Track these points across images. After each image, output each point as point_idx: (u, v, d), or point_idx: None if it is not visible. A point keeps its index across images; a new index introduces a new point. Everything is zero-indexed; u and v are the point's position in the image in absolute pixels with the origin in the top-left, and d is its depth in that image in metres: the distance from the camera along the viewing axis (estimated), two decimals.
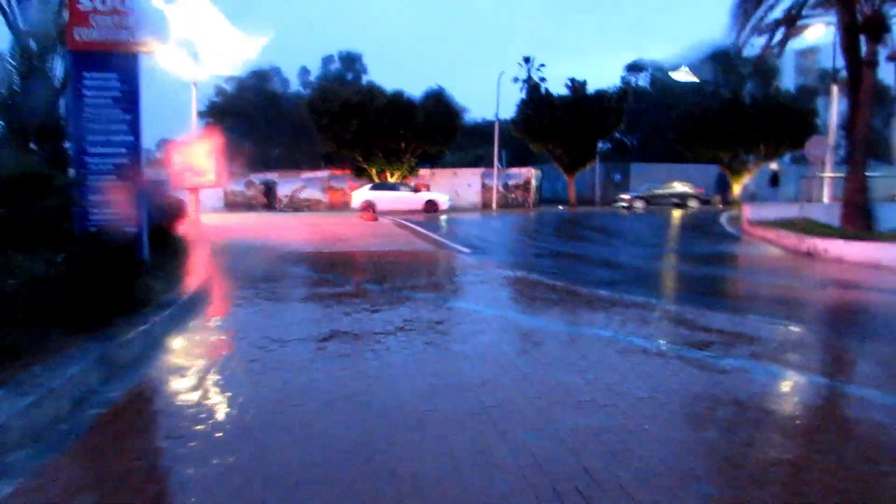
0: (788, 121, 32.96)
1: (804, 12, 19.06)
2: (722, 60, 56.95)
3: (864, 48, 17.28)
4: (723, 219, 23.41)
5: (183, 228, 10.85)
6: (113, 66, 7.00)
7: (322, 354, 4.94)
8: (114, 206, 6.86)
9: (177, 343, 5.27)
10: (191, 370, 4.49)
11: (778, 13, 19.20)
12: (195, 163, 20.72)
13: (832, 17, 19.12)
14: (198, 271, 8.34)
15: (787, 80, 62.28)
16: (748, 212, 19.00)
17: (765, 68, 41.56)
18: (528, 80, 62.54)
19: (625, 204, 32.74)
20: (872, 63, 16.09)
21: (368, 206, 27.99)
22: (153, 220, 7.50)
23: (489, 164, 39.87)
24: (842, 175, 25.32)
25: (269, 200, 35.21)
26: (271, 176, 35.54)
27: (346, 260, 11.20)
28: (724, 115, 34.73)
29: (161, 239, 8.28)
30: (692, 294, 8.79)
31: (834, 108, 24.43)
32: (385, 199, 28.98)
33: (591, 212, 31.14)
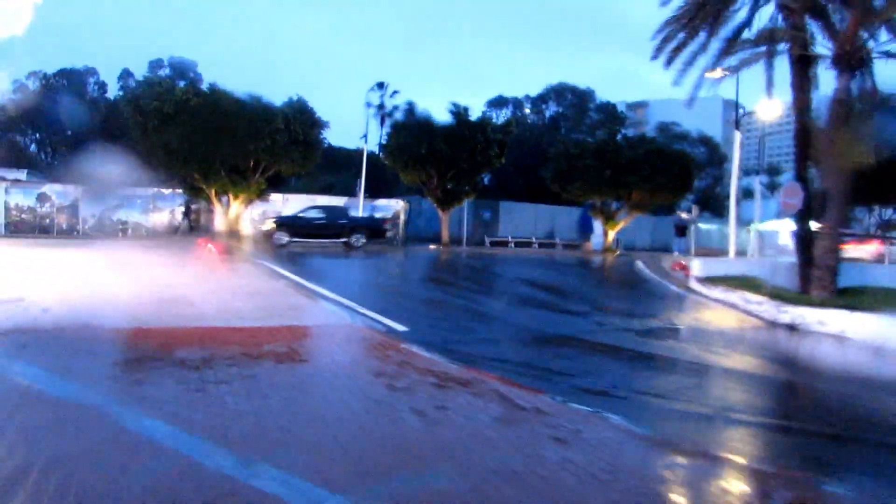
0: (668, 168, 31.85)
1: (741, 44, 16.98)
2: (578, 102, 57.37)
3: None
4: (641, 268, 20.62)
5: None
6: None
7: None
8: None
9: None
10: None
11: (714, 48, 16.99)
12: None
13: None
14: None
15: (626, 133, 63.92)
16: (696, 267, 16.08)
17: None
18: (381, 106, 59.08)
19: (281, 240, 23.51)
20: (845, 101, 13.90)
21: None
22: None
23: (340, 193, 34.88)
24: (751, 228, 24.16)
25: (188, 223, 28.30)
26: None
27: (187, 361, 5.34)
28: (600, 156, 33.03)
29: None
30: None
31: (736, 154, 22.98)
32: None
33: (478, 253, 27.47)
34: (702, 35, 16.06)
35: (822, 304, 12.22)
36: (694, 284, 15.58)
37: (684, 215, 25.54)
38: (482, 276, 17.52)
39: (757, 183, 34.22)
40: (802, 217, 15.05)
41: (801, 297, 13.27)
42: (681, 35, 15.66)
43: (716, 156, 63.60)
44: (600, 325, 10.08)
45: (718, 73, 17.41)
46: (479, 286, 15.16)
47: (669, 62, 16.55)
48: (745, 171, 73.00)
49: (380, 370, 5.61)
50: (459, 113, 29.01)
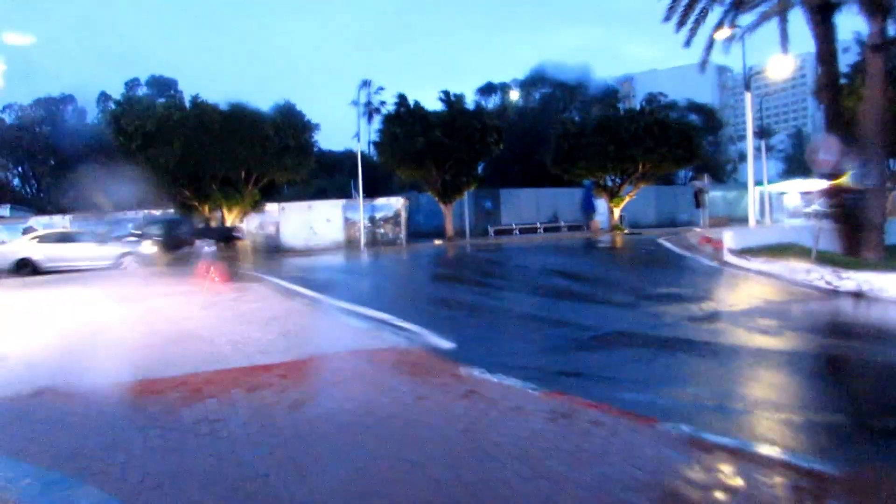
0: (671, 138, 30.91)
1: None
2: (569, 81, 56.09)
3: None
4: (666, 245, 19.61)
5: None
6: None
7: None
8: None
9: None
10: None
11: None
12: None
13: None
14: None
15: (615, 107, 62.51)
16: (729, 239, 15.08)
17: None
18: (368, 103, 57.94)
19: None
20: (882, 46, 12.85)
21: None
22: None
23: (334, 196, 33.75)
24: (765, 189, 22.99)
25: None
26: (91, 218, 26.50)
27: (211, 423, 4.29)
28: (602, 132, 32.00)
29: None
30: None
31: (749, 116, 21.97)
32: None
33: (486, 245, 26.44)
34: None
35: (888, 267, 11.24)
36: (729, 258, 14.59)
37: (698, 184, 24.34)
38: (503, 270, 16.50)
39: (762, 144, 33.31)
40: (838, 175, 14.06)
41: (856, 261, 12.30)
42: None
43: (711, 122, 62.47)
44: (656, 315, 9.05)
45: (729, 31, 16.45)
46: (506, 282, 14.13)
47: (681, 23, 15.57)
48: (740, 136, 71.94)
49: (450, 410, 4.57)
50: (452, 102, 27.87)
